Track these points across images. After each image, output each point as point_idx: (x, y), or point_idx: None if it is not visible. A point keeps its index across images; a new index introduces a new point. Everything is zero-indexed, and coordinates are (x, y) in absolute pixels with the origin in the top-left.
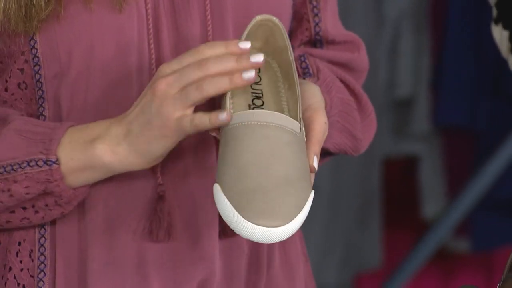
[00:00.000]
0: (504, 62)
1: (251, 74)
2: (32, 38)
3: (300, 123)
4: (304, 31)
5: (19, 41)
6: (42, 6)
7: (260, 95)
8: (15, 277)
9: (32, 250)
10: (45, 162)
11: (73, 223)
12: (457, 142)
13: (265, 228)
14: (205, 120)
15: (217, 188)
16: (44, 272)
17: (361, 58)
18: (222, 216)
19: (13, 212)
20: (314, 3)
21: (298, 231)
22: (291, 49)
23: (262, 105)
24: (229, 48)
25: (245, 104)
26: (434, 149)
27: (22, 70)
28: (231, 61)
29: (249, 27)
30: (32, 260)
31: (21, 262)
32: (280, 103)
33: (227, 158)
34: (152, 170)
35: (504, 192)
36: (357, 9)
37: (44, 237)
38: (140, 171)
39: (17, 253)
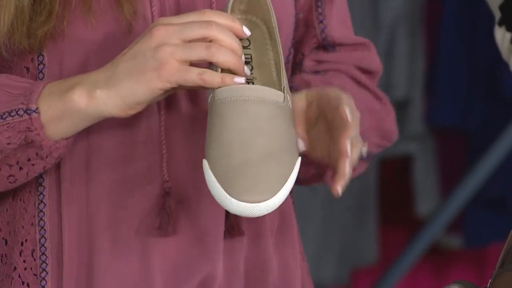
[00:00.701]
0: (496, 65)
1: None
2: (41, 54)
3: (284, 92)
4: (312, 37)
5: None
6: (43, 22)
7: (250, 60)
8: (19, 276)
9: (34, 250)
10: (25, 111)
11: (78, 218)
12: (450, 142)
13: (249, 204)
14: (216, 78)
15: (205, 164)
16: (46, 271)
17: (372, 58)
18: (211, 193)
19: None
20: (320, 10)
21: (295, 231)
22: (273, 11)
23: (252, 70)
24: (234, 24)
25: None
26: (428, 149)
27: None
28: (235, 41)
29: None
30: (35, 259)
31: (24, 261)
32: (269, 68)
33: (213, 134)
34: (159, 166)
35: (495, 190)
36: (355, 14)
37: (44, 237)
38: (146, 169)
39: (20, 252)
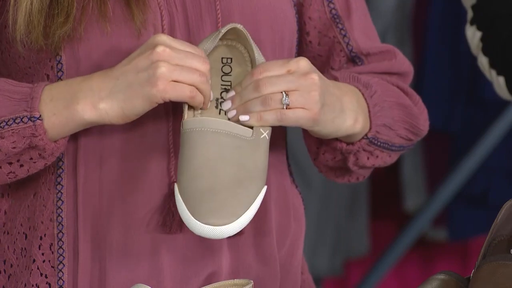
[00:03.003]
0: (477, 72)
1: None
2: (59, 62)
3: (253, 131)
4: (339, 53)
5: (46, 56)
6: (61, 23)
7: (229, 87)
8: (38, 268)
9: (52, 244)
10: (29, 119)
11: (92, 214)
12: (435, 142)
13: (212, 227)
14: (199, 99)
15: (176, 188)
16: (63, 264)
17: (400, 62)
18: (180, 215)
19: None
20: (340, 26)
21: (303, 227)
22: (256, 48)
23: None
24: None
25: (214, 97)
26: (415, 149)
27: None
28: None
29: (212, 34)
30: (52, 253)
31: (43, 254)
32: None
33: (183, 160)
34: (167, 168)
35: (477, 187)
36: None
37: (62, 232)
38: (155, 170)
39: (39, 246)
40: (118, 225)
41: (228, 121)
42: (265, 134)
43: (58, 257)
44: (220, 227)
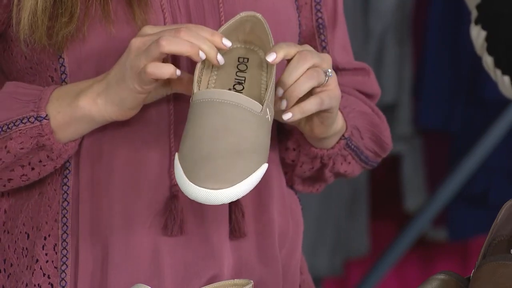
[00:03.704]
0: (477, 72)
1: (220, 59)
2: (61, 57)
3: (263, 105)
4: None
5: (47, 58)
6: (65, 23)
7: (243, 81)
8: (41, 268)
9: (56, 244)
10: (36, 118)
11: (95, 221)
12: (436, 142)
13: (207, 190)
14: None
15: (176, 156)
16: (66, 264)
17: (372, 82)
18: (176, 180)
19: (12, 170)
20: (322, 37)
21: (301, 237)
22: (272, 40)
23: (242, 90)
24: (213, 36)
25: (225, 87)
26: (416, 149)
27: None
28: (203, 40)
29: (230, 21)
30: (56, 253)
31: (46, 254)
32: (259, 90)
33: (187, 130)
34: (168, 171)
35: (477, 187)
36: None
37: (66, 233)
38: (156, 172)
39: (43, 246)
40: (119, 227)
41: (239, 94)
42: (269, 115)
43: (62, 258)
44: (215, 191)
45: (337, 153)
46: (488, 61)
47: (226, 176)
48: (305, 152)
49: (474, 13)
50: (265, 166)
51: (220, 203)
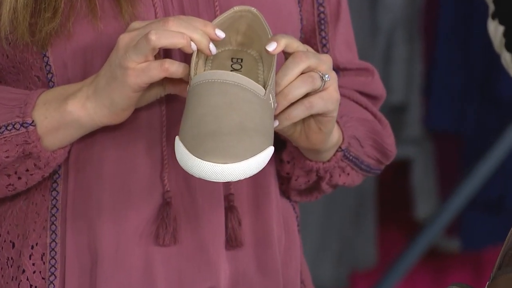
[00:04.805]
0: (491, 69)
1: (213, 48)
2: (45, 55)
3: (266, 90)
4: None
5: (30, 56)
6: (48, 18)
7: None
8: (28, 279)
9: (44, 254)
10: (21, 125)
11: (83, 228)
12: (447, 146)
13: (212, 164)
14: (176, 63)
15: (176, 139)
16: (54, 275)
17: (375, 83)
18: (178, 161)
19: None
20: (323, 34)
21: (299, 247)
22: (271, 35)
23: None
24: (205, 27)
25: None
26: (426, 153)
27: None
28: (194, 29)
29: (223, 15)
30: (44, 263)
31: (33, 264)
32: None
33: (187, 111)
34: (160, 176)
35: (491, 193)
36: (352, 19)
37: (55, 242)
38: (147, 178)
39: (30, 256)
40: (109, 236)
41: (241, 75)
42: (272, 102)
43: (50, 268)
44: (221, 165)
45: (334, 166)
46: (507, 58)
47: (233, 151)
48: (300, 165)
49: (491, 7)
50: (271, 149)
51: (228, 180)
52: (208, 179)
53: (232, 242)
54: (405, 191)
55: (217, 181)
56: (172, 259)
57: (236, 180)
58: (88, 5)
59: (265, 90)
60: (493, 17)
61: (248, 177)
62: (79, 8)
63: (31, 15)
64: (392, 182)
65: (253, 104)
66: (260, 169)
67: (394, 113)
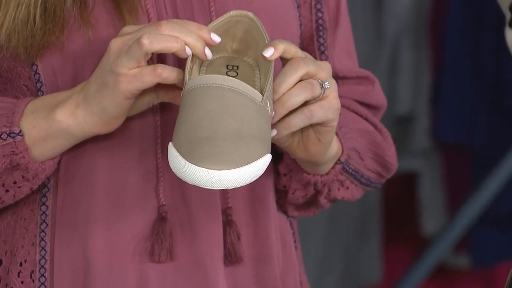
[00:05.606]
0: (502, 78)
1: (208, 52)
2: (34, 63)
3: (263, 96)
4: None
5: (19, 65)
6: (46, 32)
7: None
8: None
9: (33, 271)
10: (8, 135)
11: (73, 244)
12: (456, 158)
13: (208, 170)
14: (169, 68)
15: (170, 145)
16: None
17: (376, 92)
18: (171, 167)
19: None
20: (321, 40)
21: (295, 261)
22: (268, 40)
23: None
24: (200, 31)
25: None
26: (434, 165)
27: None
28: (188, 32)
29: (219, 19)
30: (33, 281)
31: (22, 282)
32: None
33: (181, 117)
34: (155, 189)
35: (503, 207)
36: (357, 25)
37: (45, 259)
38: (141, 192)
39: (18, 273)
40: (101, 252)
41: (238, 80)
42: (269, 108)
43: (39, 286)
44: (217, 171)
45: (333, 179)
46: None
47: (229, 157)
48: (297, 178)
49: (508, 15)
50: (268, 157)
51: (223, 187)
52: (203, 186)
53: (231, 257)
54: (412, 206)
55: (212, 188)
56: (168, 276)
57: (232, 187)
58: (81, 16)
59: (262, 96)
60: (510, 25)
61: (244, 185)
62: (73, 21)
63: (31, 28)
64: (398, 196)
65: (250, 110)
66: (257, 177)
67: (401, 123)
